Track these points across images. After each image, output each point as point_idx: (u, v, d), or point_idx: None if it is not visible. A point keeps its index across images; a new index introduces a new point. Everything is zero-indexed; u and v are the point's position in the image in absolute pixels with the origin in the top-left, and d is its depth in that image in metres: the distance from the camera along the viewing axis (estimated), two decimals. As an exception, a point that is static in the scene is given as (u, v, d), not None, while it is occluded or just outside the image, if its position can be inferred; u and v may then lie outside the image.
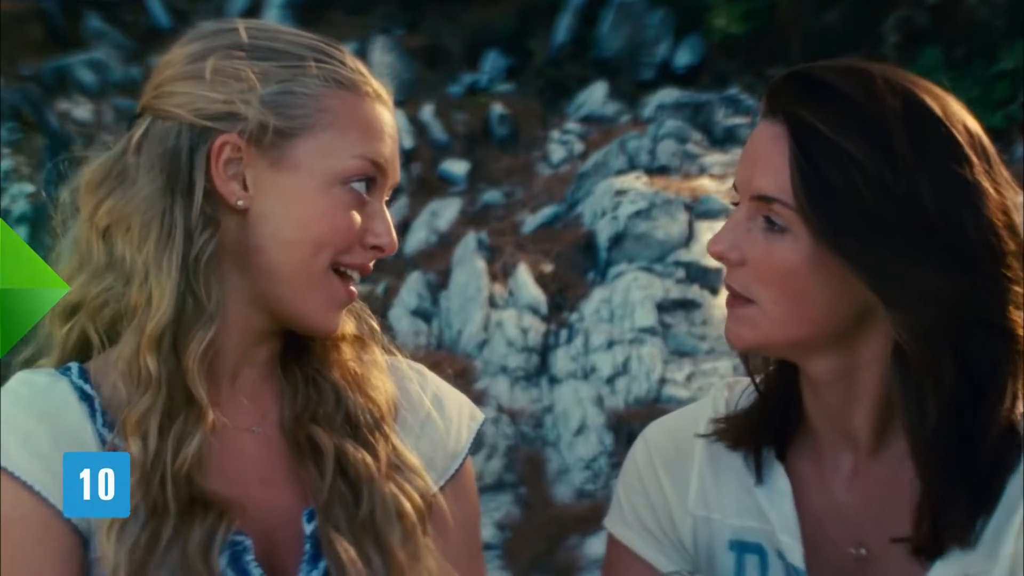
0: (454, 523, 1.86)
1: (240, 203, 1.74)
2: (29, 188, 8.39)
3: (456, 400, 1.93)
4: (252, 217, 1.75)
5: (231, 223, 1.76)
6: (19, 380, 1.78)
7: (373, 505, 1.78)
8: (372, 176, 1.76)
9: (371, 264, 1.80)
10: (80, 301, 1.79)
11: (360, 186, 1.76)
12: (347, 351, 1.86)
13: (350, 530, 1.78)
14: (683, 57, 10.32)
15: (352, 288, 1.78)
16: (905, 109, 1.71)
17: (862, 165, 1.68)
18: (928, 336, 1.70)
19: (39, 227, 8.18)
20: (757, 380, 1.88)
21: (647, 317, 7.51)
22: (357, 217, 1.76)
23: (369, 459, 1.80)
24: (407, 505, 1.80)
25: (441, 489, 1.86)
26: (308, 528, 1.78)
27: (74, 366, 1.79)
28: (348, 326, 1.86)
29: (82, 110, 9.47)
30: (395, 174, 1.81)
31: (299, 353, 1.84)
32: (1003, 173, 1.75)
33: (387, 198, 1.82)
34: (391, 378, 1.88)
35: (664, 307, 7.60)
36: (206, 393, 1.73)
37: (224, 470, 1.75)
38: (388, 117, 1.81)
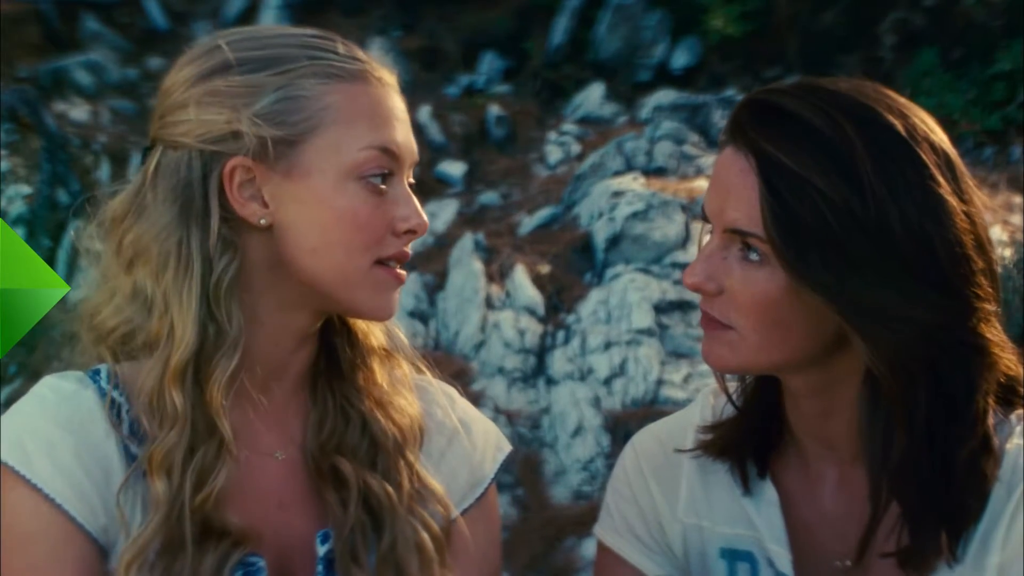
0: (473, 549, 1.85)
1: (263, 221, 1.72)
2: (26, 190, 8.39)
3: (483, 427, 1.92)
4: (277, 231, 1.73)
5: (257, 241, 1.74)
6: (47, 385, 1.74)
7: (394, 537, 1.77)
8: (386, 165, 1.73)
9: (408, 249, 1.76)
10: (109, 330, 1.76)
11: (376, 179, 1.72)
12: (377, 369, 1.83)
13: (370, 561, 1.77)
14: (680, 58, 10.31)
15: (399, 271, 1.75)
16: (869, 134, 1.69)
17: (830, 199, 1.67)
18: (902, 364, 1.69)
19: (36, 228, 8.17)
20: (735, 393, 1.89)
21: (644, 318, 7.50)
22: (380, 209, 1.72)
23: (391, 490, 1.78)
24: (426, 537, 1.79)
25: (463, 514, 1.86)
26: (321, 550, 1.77)
27: (104, 370, 1.76)
28: (378, 338, 1.85)
29: (79, 111, 9.46)
30: (411, 154, 1.77)
31: (330, 377, 1.81)
32: (971, 187, 1.74)
33: (410, 179, 1.78)
34: (418, 399, 1.87)
35: (661, 308, 7.59)
36: (230, 424, 1.70)
37: (243, 495, 1.74)
38: (394, 100, 1.77)
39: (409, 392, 1.85)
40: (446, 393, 1.92)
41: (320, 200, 1.71)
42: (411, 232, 1.74)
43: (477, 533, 1.87)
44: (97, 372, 1.76)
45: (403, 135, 1.75)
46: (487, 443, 1.92)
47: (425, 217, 1.75)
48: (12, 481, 1.67)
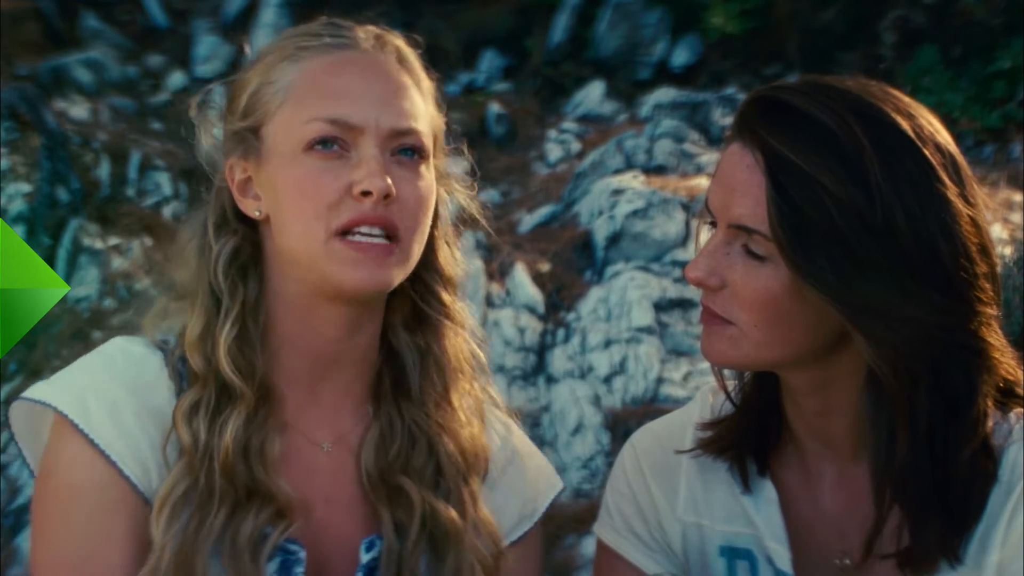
0: None
1: (257, 213, 1.79)
2: (26, 188, 8.38)
3: (538, 462, 1.94)
4: (270, 220, 1.78)
5: (266, 234, 1.80)
6: (116, 346, 1.79)
7: (459, 565, 1.79)
8: (332, 135, 1.73)
9: (376, 212, 1.73)
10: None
11: (321, 147, 1.73)
12: (454, 395, 1.84)
13: None
14: (680, 56, 10.31)
15: (364, 242, 1.73)
16: (877, 134, 1.69)
17: (837, 198, 1.67)
18: (904, 365, 1.69)
19: (36, 226, 8.17)
20: (734, 391, 1.88)
21: (644, 316, 7.50)
22: (331, 175, 1.73)
23: (457, 517, 1.79)
24: (479, 570, 1.81)
25: (509, 547, 1.86)
26: (365, 557, 1.78)
27: (172, 341, 1.81)
28: (466, 368, 1.86)
29: (79, 109, 9.45)
30: (380, 123, 1.74)
31: (397, 396, 1.83)
32: (975, 190, 1.74)
33: (402, 146, 1.76)
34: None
35: (661, 306, 7.59)
36: (246, 386, 1.75)
37: (292, 480, 1.76)
38: (370, 67, 1.77)
39: (480, 420, 1.87)
40: (503, 422, 1.93)
41: (278, 177, 1.76)
42: (367, 193, 1.72)
43: (520, 567, 1.87)
44: (164, 342, 1.81)
45: (360, 105, 1.75)
46: (540, 478, 1.93)
47: (385, 180, 1.72)
48: (71, 435, 1.71)
